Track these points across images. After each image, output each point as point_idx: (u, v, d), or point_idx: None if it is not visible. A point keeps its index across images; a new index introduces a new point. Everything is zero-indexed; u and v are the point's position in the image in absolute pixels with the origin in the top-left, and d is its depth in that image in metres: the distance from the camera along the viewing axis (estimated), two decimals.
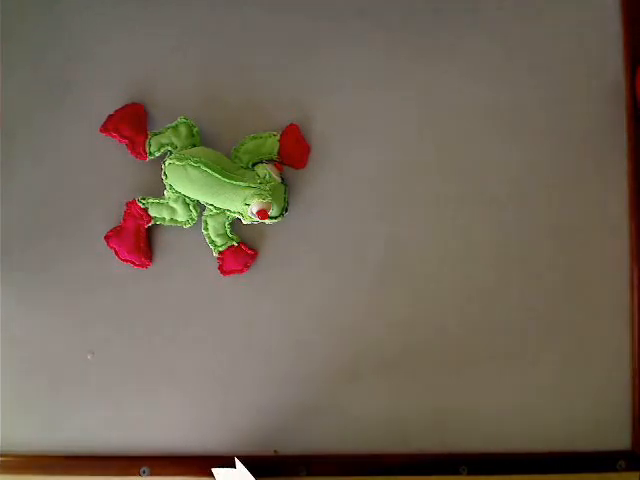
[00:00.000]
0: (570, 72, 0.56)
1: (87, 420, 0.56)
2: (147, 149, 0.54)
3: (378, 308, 0.55)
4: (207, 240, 0.55)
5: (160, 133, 0.55)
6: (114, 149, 0.56)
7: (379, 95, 0.56)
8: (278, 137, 0.55)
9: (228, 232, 0.54)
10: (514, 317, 0.55)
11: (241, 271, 0.55)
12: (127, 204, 0.55)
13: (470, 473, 0.55)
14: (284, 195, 0.54)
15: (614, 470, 0.55)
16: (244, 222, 0.53)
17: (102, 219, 0.56)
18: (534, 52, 0.56)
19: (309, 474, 0.55)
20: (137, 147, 0.54)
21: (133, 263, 0.55)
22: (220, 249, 0.55)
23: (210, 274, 0.55)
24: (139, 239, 0.55)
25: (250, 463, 0.51)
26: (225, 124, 0.56)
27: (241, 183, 0.51)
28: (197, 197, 0.53)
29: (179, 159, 0.52)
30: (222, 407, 0.56)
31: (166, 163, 0.53)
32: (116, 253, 0.55)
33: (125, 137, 0.54)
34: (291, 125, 0.55)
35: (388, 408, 0.55)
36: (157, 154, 0.55)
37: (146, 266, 0.55)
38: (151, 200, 0.54)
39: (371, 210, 0.55)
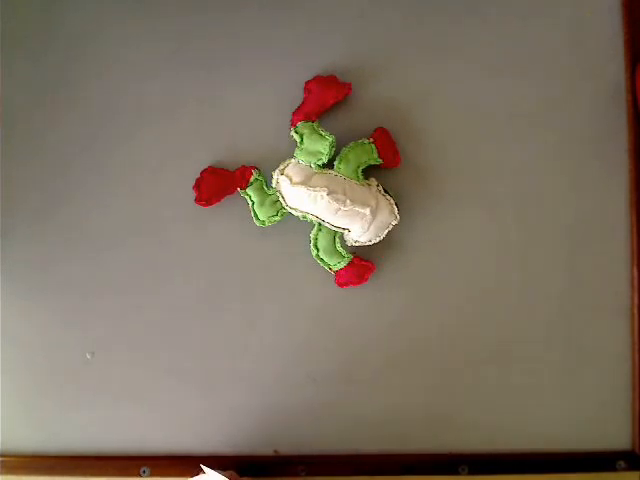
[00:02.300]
0: (570, 72, 0.56)
1: (87, 420, 0.56)
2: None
3: (378, 308, 0.55)
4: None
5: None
6: (112, 150, 0.56)
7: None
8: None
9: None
10: (514, 317, 0.55)
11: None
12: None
13: (470, 473, 0.55)
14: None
15: (614, 470, 0.55)
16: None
17: (102, 218, 0.56)
18: (534, 52, 0.56)
19: (309, 474, 0.55)
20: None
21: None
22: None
23: (208, 273, 0.56)
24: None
25: (250, 463, 0.51)
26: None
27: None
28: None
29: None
30: (222, 407, 0.56)
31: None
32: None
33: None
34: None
35: (388, 408, 0.55)
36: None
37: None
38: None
39: None
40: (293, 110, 0.54)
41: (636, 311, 0.55)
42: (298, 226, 0.55)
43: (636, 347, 0.55)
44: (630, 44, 0.56)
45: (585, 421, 0.55)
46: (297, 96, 0.55)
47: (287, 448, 0.55)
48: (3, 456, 0.56)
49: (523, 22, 0.56)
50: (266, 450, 0.55)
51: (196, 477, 0.50)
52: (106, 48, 0.56)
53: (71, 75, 0.56)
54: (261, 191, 0.54)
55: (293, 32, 0.56)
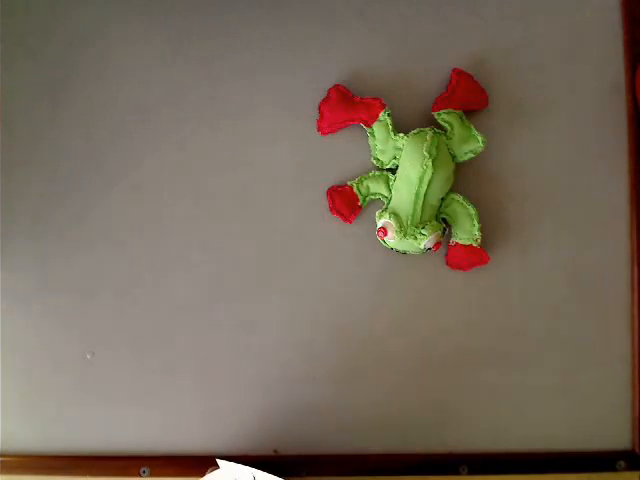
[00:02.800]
0: (570, 72, 0.56)
1: (87, 420, 0.56)
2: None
3: (379, 308, 0.55)
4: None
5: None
6: (112, 149, 0.56)
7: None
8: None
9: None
10: (514, 317, 0.55)
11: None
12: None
13: (470, 473, 0.55)
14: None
15: (614, 470, 0.55)
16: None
17: (102, 218, 0.56)
18: (534, 52, 0.56)
19: (309, 474, 0.55)
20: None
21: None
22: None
23: (208, 273, 0.56)
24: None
25: (250, 463, 0.51)
26: None
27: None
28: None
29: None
30: (222, 407, 0.56)
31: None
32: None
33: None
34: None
35: (388, 408, 0.55)
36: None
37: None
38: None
39: None
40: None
41: (636, 311, 0.55)
42: (293, 229, 0.55)
43: (636, 347, 0.55)
44: (630, 44, 0.56)
45: (585, 421, 0.55)
46: (297, 95, 0.55)
47: (287, 448, 0.55)
48: (3, 456, 0.55)
49: (523, 22, 0.56)
50: (266, 450, 0.55)
51: (211, 473, 0.50)
52: (106, 48, 0.56)
53: (71, 74, 0.56)
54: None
55: (293, 31, 0.56)
